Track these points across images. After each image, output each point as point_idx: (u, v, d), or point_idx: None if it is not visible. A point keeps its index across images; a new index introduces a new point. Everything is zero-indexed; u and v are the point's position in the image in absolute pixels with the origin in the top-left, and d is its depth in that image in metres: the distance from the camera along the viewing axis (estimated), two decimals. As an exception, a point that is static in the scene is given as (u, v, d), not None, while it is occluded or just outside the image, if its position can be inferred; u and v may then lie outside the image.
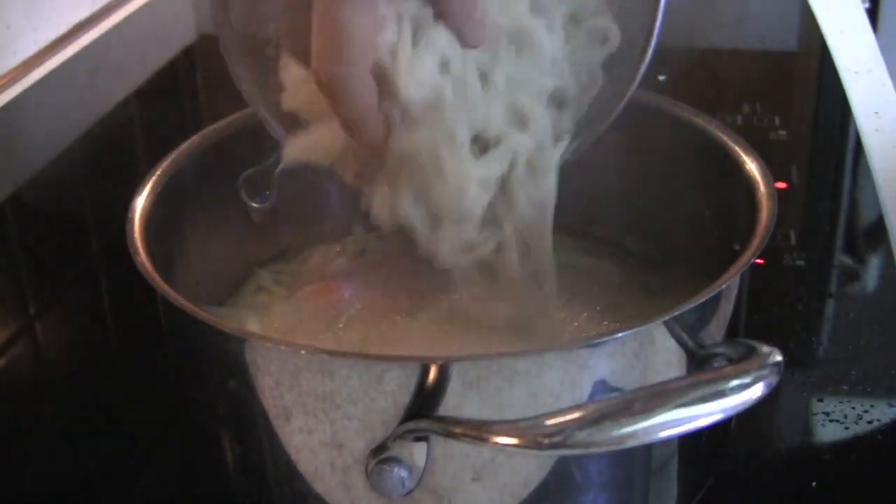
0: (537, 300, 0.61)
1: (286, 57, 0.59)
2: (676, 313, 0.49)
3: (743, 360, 0.46)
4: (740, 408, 0.44)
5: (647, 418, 0.43)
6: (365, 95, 0.53)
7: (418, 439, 0.47)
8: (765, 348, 0.46)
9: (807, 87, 1.13)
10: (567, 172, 0.64)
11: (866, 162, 0.88)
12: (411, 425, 0.47)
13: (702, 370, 0.50)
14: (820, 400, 0.64)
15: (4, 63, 1.08)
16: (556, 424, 0.43)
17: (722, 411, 0.44)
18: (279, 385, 0.49)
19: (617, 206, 0.71)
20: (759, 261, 0.53)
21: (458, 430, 0.45)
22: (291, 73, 0.58)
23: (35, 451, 0.63)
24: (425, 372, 0.46)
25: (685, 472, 0.56)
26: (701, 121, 0.64)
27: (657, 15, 0.58)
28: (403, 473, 0.47)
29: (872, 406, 0.63)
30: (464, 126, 0.56)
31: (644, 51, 0.59)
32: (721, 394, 0.44)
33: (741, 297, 0.54)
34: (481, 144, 0.58)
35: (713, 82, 1.08)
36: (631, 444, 0.43)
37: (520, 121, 0.58)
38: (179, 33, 1.28)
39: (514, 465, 0.49)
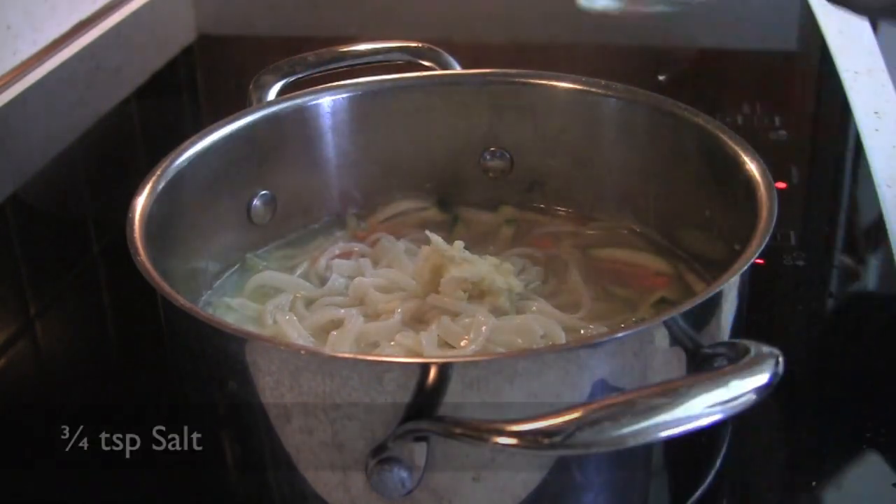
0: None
1: None
2: (676, 313, 0.49)
3: (743, 360, 0.46)
4: (740, 408, 0.44)
5: (647, 418, 0.43)
6: None
7: (418, 439, 0.47)
8: (765, 348, 0.46)
9: (807, 87, 1.13)
10: (566, 171, 0.64)
11: (866, 162, 0.88)
12: (411, 425, 0.47)
13: (702, 370, 0.50)
14: (820, 400, 0.64)
15: (4, 63, 1.08)
16: (556, 424, 0.43)
17: (722, 411, 0.44)
18: (279, 385, 0.49)
19: (617, 207, 0.71)
20: (759, 261, 0.53)
21: (458, 430, 0.45)
22: None
23: (35, 451, 0.63)
24: (425, 372, 0.46)
25: (684, 472, 0.56)
26: (701, 121, 0.64)
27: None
28: (403, 474, 0.47)
29: (872, 406, 0.63)
30: None
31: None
32: (721, 394, 0.44)
33: (741, 297, 0.54)
34: None
35: (713, 82, 1.08)
36: (631, 444, 0.43)
37: None
38: (179, 33, 1.28)
39: (514, 465, 0.49)
